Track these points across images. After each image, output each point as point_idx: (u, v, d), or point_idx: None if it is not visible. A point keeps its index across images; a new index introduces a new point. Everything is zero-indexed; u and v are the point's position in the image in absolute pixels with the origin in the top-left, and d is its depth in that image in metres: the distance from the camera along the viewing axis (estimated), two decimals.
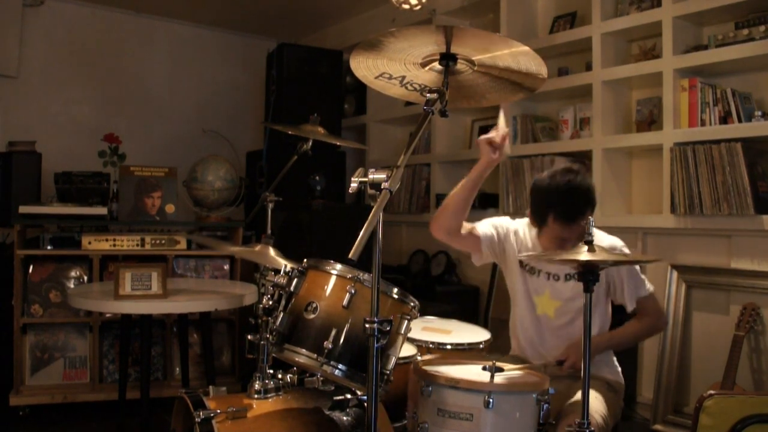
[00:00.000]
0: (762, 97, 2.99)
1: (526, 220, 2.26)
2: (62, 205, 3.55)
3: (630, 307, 2.14)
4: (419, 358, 2.10)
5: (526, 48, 1.53)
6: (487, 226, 2.28)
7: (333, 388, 1.96)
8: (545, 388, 1.70)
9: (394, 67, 1.67)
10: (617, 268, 2.09)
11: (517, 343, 2.29)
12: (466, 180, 2.12)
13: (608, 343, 2.17)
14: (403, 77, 1.71)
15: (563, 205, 2.01)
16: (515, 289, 2.28)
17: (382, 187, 1.38)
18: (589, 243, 1.68)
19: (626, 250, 2.16)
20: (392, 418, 1.98)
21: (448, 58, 1.60)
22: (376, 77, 1.71)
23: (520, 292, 2.25)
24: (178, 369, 3.61)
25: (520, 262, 2.23)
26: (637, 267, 2.16)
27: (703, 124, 2.99)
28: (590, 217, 1.80)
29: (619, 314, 2.22)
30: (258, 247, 2.22)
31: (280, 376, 1.98)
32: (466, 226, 2.24)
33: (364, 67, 1.66)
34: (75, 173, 3.71)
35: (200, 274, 3.74)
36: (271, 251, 2.18)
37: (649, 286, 2.16)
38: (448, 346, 2.33)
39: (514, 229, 2.29)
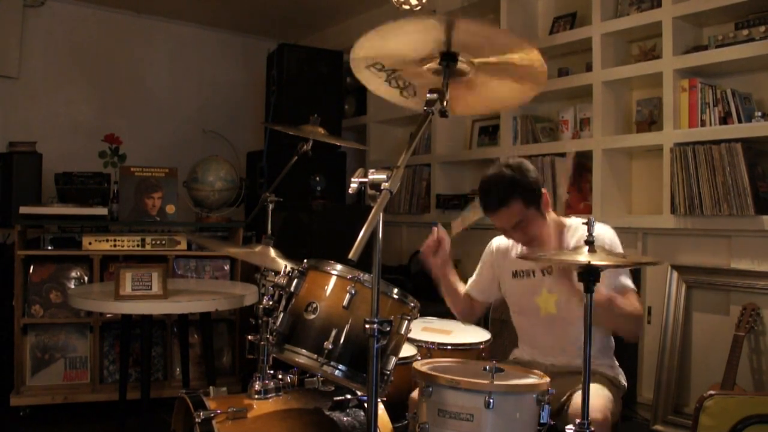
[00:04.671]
0: (762, 97, 2.99)
1: None
2: (63, 206, 3.56)
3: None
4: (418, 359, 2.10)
5: (530, 48, 1.53)
6: (471, 283, 2.41)
7: (333, 388, 1.96)
8: (545, 389, 1.70)
9: (391, 59, 1.65)
10: None
11: (529, 350, 2.27)
12: (442, 286, 2.34)
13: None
14: (393, 71, 1.69)
15: (481, 198, 2.12)
16: (516, 300, 2.29)
17: (382, 187, 1.38)
18: (590, 243, 1.68)
19: (615, 240, 2.07)
20: (392, 418, 1.98)
21: (448, 58, 1.60)
22: (368, 66, 1.67)
23: (521, 300, 2.25)
24: (178, 369, 3.61)
25: (513, 272, 2.24)
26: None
27: (703, 124, 2.99)
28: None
29: None
30: (258, 248, 2.22)
31: (280, 376, 1.99)
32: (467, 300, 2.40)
33: (364, 50, 1.62)
34: (75, 174, 3.71)
35: (201, 275, 3.74)
36: (272, 252, 2.18)
37: (628, 282, 2.03)
38: (448, 347, 2.33)
39: (495, 246, 2.36)
